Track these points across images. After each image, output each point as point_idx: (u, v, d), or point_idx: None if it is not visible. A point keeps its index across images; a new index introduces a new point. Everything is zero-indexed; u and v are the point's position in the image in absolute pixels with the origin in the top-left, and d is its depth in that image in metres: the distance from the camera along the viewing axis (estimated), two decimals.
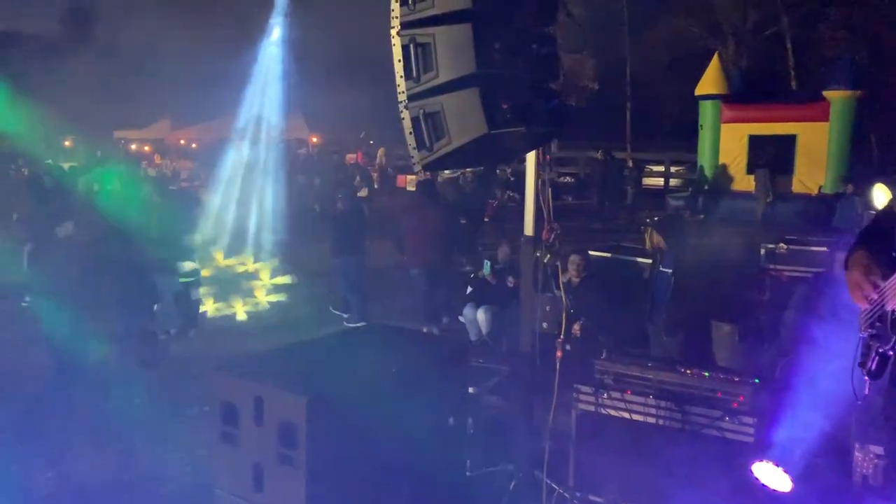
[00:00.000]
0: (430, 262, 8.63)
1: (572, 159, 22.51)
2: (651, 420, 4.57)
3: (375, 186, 19.77)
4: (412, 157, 3.86)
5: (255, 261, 11.09)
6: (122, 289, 5.80)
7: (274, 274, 10.61)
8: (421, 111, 3.79)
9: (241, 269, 10.80)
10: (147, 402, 5.99)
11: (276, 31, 15.57)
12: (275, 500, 3.97)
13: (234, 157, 15.27)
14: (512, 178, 17.76)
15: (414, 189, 15.46)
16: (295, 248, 11.49)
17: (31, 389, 6.02)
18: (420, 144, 3.81)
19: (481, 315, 7.66)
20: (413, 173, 19.59)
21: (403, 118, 3.84)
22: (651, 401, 4.58)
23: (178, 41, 25.02)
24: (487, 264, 8.25)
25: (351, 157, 22.49)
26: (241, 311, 8.92)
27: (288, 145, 21.73)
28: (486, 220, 15.03)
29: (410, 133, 3.82)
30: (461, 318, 8.03)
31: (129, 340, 6.03)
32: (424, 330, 7.86)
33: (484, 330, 7.75)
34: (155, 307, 6.49)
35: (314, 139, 24.48)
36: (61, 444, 5.24)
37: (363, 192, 17.30)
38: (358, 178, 18.63)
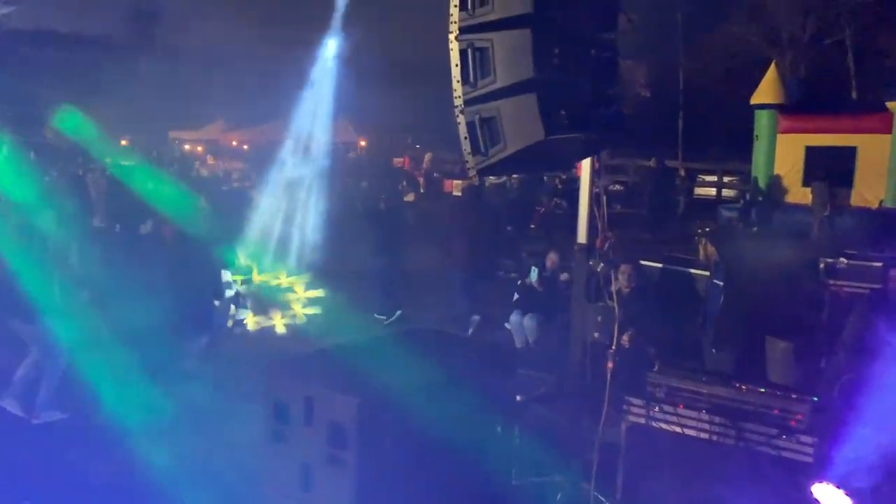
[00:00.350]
0: (472, 266, 8.61)
1: (621, 167, 22.25)
2: (704, 436, 4.47)
3: (421, 191, 19.81)
4: (467, 161, 3.84)
5: (289, 275, 11.07)
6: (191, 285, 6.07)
7: (308, 287, 10.59)
8: (477, 116, 3.77)
9: (274, 282, 10.78)
10: (200, 395, 6.12)
11: (331, 41, 15.76)
12: (322, 500, 4.00)
13: (284, 163, 15.47)
14: (560, 186, 17.62)
15: (460, 194, 15.47)
16: (336, 250, 11.49)
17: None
18: (475, 149, 3.79)
19: (528, 322, 7.61)
20: (459, 178, 19.57)
21: (459, 123, 3.83)
22: (704, 416, 4.48)
23: (236, 45, 25.56)
24: (535, 271, 8.19)
25: (398, 161, 22.59)
26: (280, 325, 8.95)
27: (336, 148, 21.95)
28: (532, 226, 14.94)
29: (466, 138, 3.80)
30: (507, 325, 7.99)
31: (188, 334, 6.22)
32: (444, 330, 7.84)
33: (530, 338, 7.69)
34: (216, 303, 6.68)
35: (362, 143, 24.70)
36: (118, 436, 5.36)
37: (409, 197, 17.34)
38: (404, 182, 18.69)
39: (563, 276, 7.70)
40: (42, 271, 5.78)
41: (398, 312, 9.25)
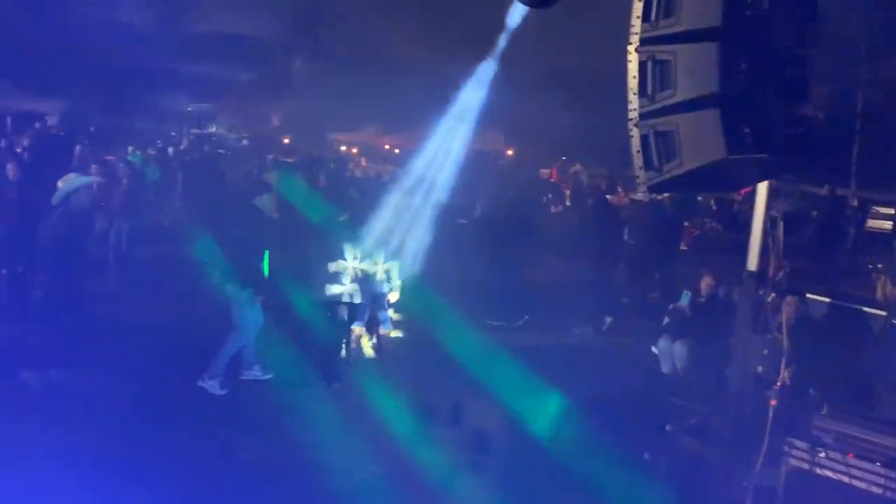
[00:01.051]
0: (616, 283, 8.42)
1: (785, 192, 20.86)
2: (876, 490, 4.09)
3: (567, 203, 19.57)
4: (637, 176, 3.72)
5: (386, 260, 10.85)
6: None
7: (402, 274, 10.39)
8: (652, 130, 3.65)
9: (371, 269, 10.58)
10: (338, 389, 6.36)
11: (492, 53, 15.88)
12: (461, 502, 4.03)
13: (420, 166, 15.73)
14: (715, 207, 16.81)
15: (607, 209, 15.11)
16: (453, 255, 11.44)
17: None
18: (648, 164, 3.66)
19: (678, 348, 7.27)
20: (608, 192, 19.13)
21: (632, 136, 3.72)
22: (878, 468, 4.10)
23: (395, 50, 26.40)
24: (687, 296, 7.83)
25: (545, 173, 22.44)
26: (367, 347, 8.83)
27: (483, 156, 22.14)
28: (682, 247, 14.34)
29: (638, 152, 3.69)
30: (654, 349, 7.68)
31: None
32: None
33: (678, 364, 7.34)
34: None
35: (510, 152, 24.76)
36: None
37: (557, 209, 17.17)
38: (550, 194, 18.54)
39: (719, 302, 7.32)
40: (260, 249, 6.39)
41: (525, 317, 9.21)
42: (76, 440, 4.85)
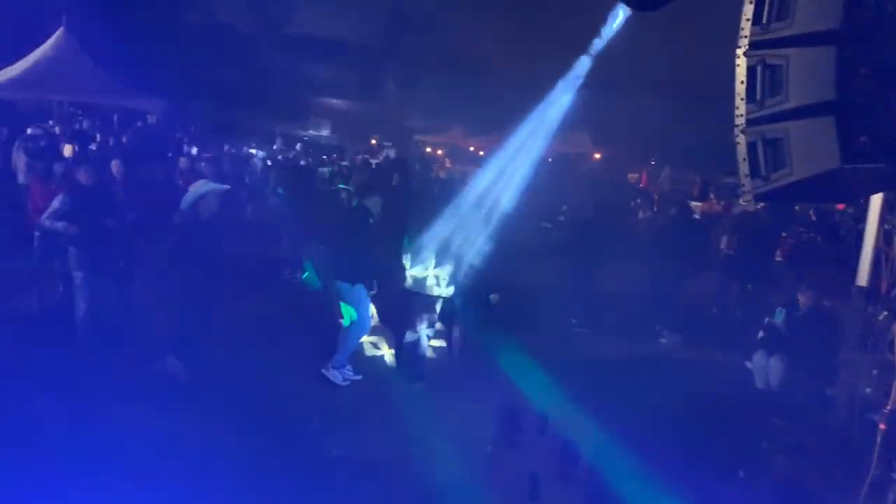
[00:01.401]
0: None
1: None
2: None
3: (655, 209, 19.10)
4: (743, 185, 3.59)
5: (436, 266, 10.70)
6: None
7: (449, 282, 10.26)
8: (760, 137, 3.50)
9: (422, 274, 10.46)
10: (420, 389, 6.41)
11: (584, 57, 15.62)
12: None
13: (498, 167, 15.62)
14: (814, 218, 16.03)
15: (699, 216, 14.65)
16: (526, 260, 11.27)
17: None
18: (754, 172, 3.52)
19: (774, 364, 6.97)
20: (698, 200, 18.62)
21: (738, 143, 3.58)
22: None
23: (486, 50, 26.40)
24: (781, 312, 7.52)
25: (634, 177, 21.98)
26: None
27: (568, 159, 21.88)
28: (777, 259, 13.74)
29: (745, 159, 3.55)
30: (748, 364, 7.40)
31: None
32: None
33: (773, 381, 7.04)
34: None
35: (597, 155, 24.34)
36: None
37: (645, 214, 16.78)
38: (638, 199, 18.13)
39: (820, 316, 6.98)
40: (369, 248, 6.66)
41: (608, 324, 9.10)
42: (194, 431, 4.99)
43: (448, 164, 24.19)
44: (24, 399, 4.91)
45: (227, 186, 6.98)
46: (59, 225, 6.34)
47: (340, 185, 10.84)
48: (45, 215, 6.51)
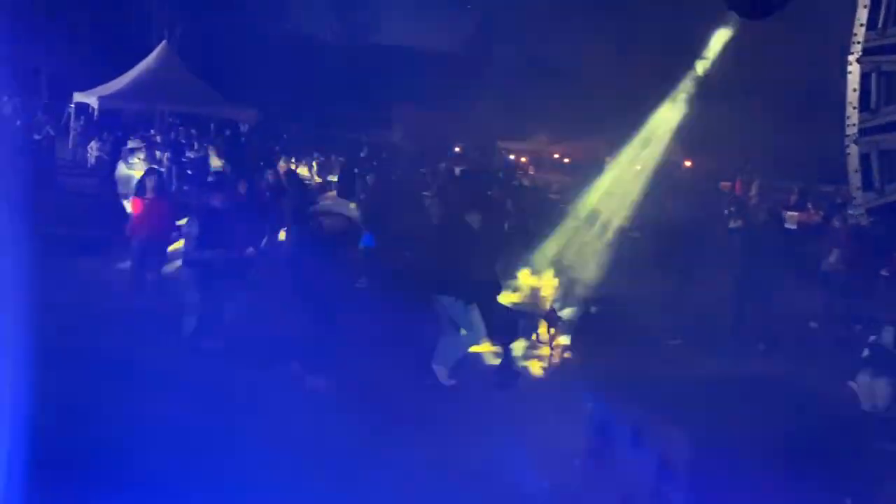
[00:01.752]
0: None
1: None
2: None
3: (747, 218, 18.39)
4: (855, 198, 3.43)
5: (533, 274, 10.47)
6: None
7: (574, 287, 10.03)
8: (874, 148, 3.33)
9: (540, 282, 10.29)
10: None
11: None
12: None
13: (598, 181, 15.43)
14: None
15: (794, 227, 14.01)
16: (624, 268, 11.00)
17: None
18: (867, 185, 3.37)
19: (882, 386, 6.59)
20: (794, 209, 17.82)
21: (849, 154, 3.45)
22: None
23: (571, 58, 26.20)
24: (890, 331, 7.11)
25: (726, 185, 21.26)
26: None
27: (662, 167, 21.36)
28: (884, 273, 13.00)
29: (857, 171, 3.42)
30: (852, 384, 7.01)
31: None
32: None
33: (880, 403, 6.65)
34: None
35: (687, 163, 23.66)
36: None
37: (735, 223, 16.19)
38: (732, 207, 17.53)
39: None
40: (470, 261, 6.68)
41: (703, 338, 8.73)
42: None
43: (531, 172, 24.07)
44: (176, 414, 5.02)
45: (353, 206, 7.15)
46: (208, 254, 6.40)
47: (435, 197, 10.87)
48: (186, 246, 6.61)
